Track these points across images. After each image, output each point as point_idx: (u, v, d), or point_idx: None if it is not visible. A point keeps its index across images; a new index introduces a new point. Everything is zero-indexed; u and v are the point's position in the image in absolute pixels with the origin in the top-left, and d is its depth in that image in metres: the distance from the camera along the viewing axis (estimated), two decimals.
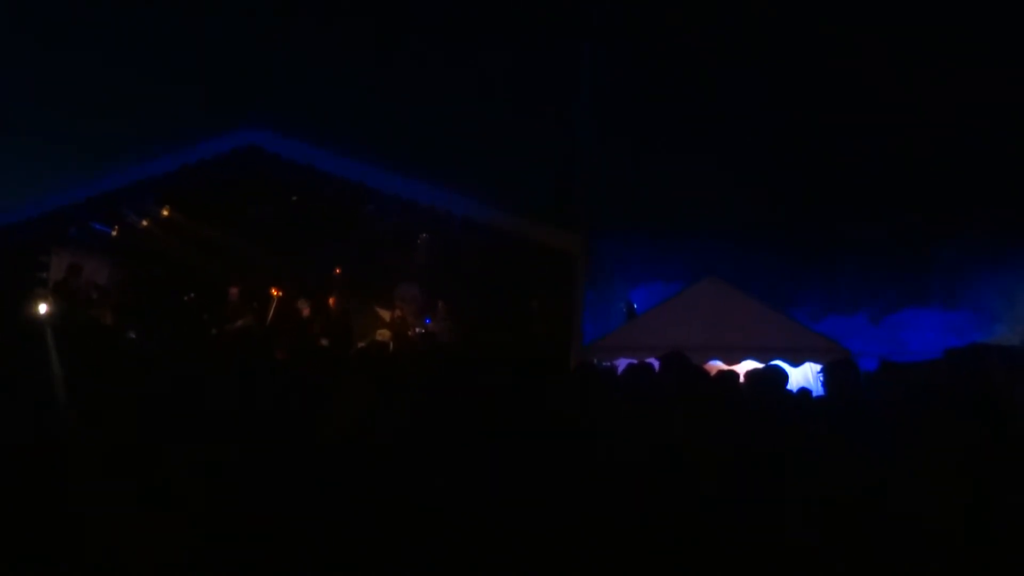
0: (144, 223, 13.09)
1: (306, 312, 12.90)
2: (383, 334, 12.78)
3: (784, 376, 5.87)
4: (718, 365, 9.86)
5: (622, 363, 9.77)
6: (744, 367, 9.43)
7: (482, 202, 10.83)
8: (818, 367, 9.21)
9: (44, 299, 10.20)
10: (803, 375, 9.76)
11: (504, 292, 12.33)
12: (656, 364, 5.68)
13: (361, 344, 12.01)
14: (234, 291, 12.85)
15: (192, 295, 13.55)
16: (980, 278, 15.53)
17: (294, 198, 13.07)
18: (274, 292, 13.27)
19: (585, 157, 11.12)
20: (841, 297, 17.57)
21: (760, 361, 9.81)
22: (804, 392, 6.92)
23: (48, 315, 9.47)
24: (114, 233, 13.27)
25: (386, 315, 13.46)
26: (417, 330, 13.08)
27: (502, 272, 12.02)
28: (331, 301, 13.07)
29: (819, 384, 7.95)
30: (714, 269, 13.58)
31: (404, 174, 11.34)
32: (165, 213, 13.11)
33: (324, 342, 12.17)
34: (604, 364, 10.46)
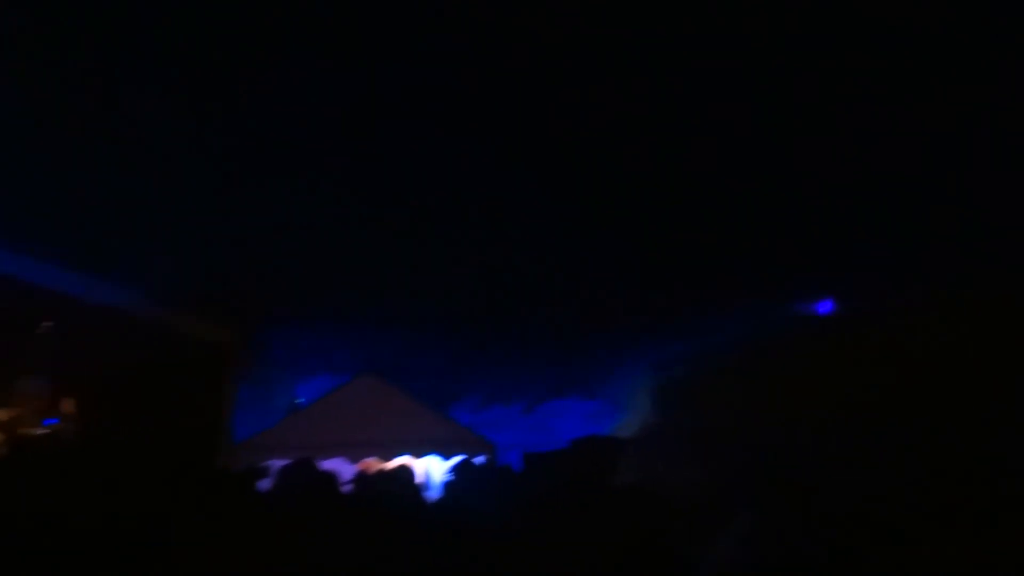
0: None
1: None
2: None
3: (412, 474, 6.04)
4: (372, 461, 9.91)
5: (276, 464, 9.35)
6: (398, 462, 9.59)
7: (123, 287, 9.79)
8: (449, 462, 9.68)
9: None
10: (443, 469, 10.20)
11: (148, 387, 11.16)
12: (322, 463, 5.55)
13: None
14: None
15: None
16: (611, 371, 17.86)
17: None
18: None
19: (250, 238, 10.66)
20: (500, 389, 18.95)
21: (414, 456, 10.06)
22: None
23: None
24: None
25: (2, 414, 11.38)
26: (38, 431, 11.22)
27: (146, 365, 10.90)
28: None
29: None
30: (381, 362, 13.80)
31: (26, 252, 9.88)
32: None
33: None
34: (261, 464, 9.93)
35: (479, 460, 10.32)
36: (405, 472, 5.85)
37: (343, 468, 8.91)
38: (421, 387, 15.30)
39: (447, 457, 10.11)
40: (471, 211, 7.44)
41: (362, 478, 6.11)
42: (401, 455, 10.09)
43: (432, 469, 10.94)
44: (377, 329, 15.79)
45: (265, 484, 7.10)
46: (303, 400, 14.95)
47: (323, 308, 10.75)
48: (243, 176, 5.89)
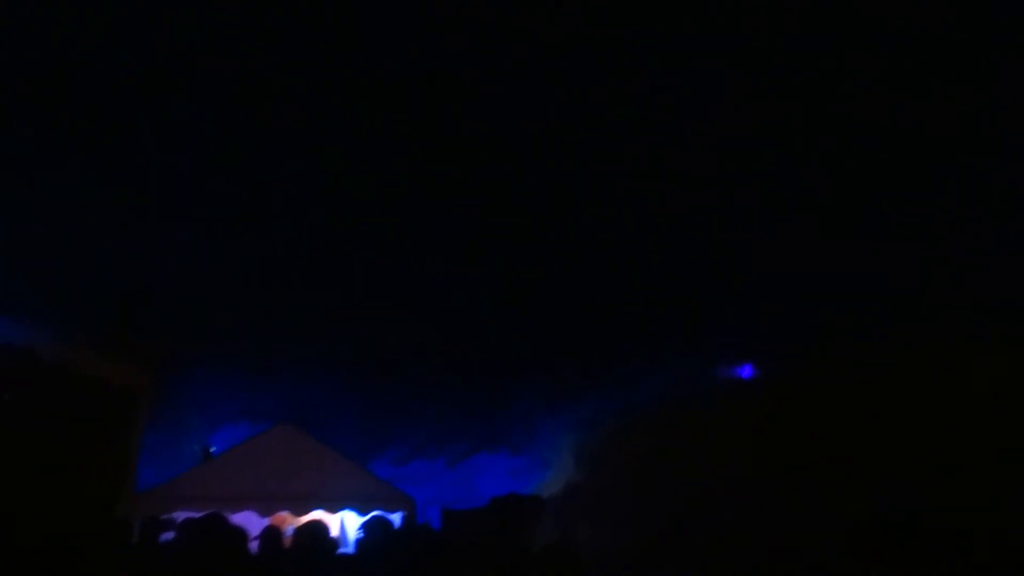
0: None
1: None
2: None
3: (327, 530, 5.82)
4: (284, 515, 9.52)
5: (180, 516, 8.88)
6: (312, 517, 9.24)
7: (24, 324, 9.26)
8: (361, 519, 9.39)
9: None
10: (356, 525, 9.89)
11: (47, 430, 10.49)
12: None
13: None
14: None
15: None
16: (536, 428, 17.80)
17: None
18: None
19: (165, 277, 10.28)
20: (424, 443, 18.61)
21: (329, 511, 9.72)
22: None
23: None
24: None
25: None
26: None
27: (47, 406, 10.26)
28: None
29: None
30: (301, 412, 13.38)
31: None
32: None
33: None
34: (164, 517, 9.40)
35: (397, 516, 10.03)
36: (319, 528, 5.62)
37: (253, 522, 8.51)
38: (342, 439, 14.90)
39: (363, 512, 9.80)
40: (399, 263, 7.42)
41: (271, 534, 5.84)
42: (315, 509, 9.73)
43: (348, 525, 10.57)
44: (299, 378, 15.39)
45: (167, 537, 6.72)
46: (216, 448, 14.34)
47: (241, 353, 10.42)
48: (158, 211, 5.73)
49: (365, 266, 7.73)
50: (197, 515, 5.88)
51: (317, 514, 9.46)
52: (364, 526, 5.87)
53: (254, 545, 5.79)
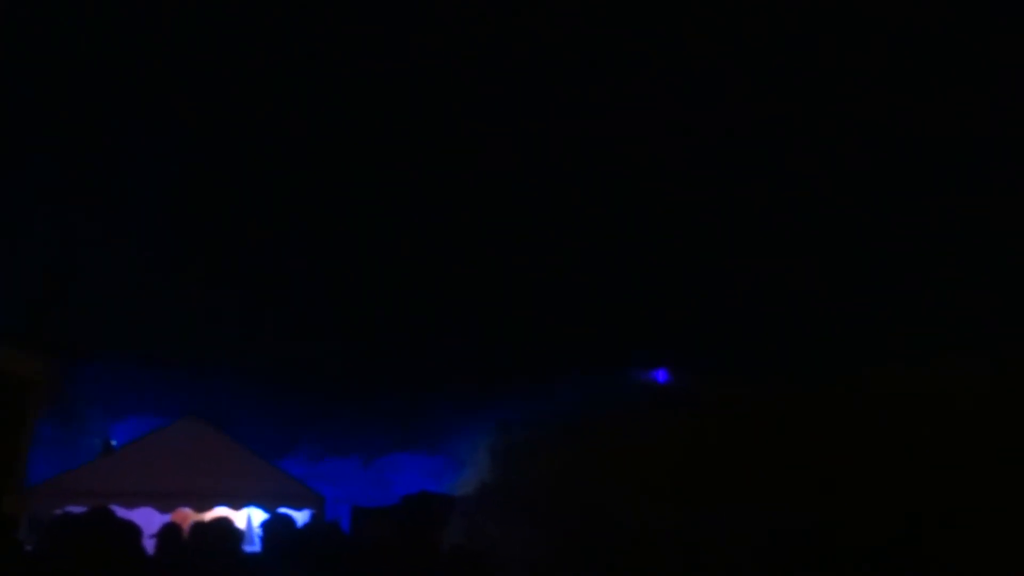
0: None
1: None
2: None
3: (230, 528, 5.65)
4: (186, 512, 9.20)
5: (73, 511, 8.45)
6: (215, 514, 8.96)
7: None
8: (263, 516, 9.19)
9: None
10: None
11: None
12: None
13: None
14: None
15: None
16: (454, 428, 17.72)
17: None
18: None
19: (62, 264, 9.75)
20: (339, 440, 18.27)
21: (233, 508, 9.44)
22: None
23: None
24: None
25: None
26: None
27: None
28: None
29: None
30: (211, 406, 12.93)
31: None
32: None
33: None
34: (55, 511, 8.92)
35: (304, 513, 9.82)
36: (222, 525, 5.44)
37: (151, 519, 8.17)
38: (253, 435, 14.47)
39: (269, 510, 9.55)
40: (316, 253, 7.28)
41: (169, 531, 5.62)
42: (218, 506, 9.43)
43: (255, 522, 10.29)
44: (210, 373, 14.88)
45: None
46: (117, 442, 13.73)
47: (144, 343, 10.01)
48: (60, 197, 5.46)
49: (282, 263, 7.56)
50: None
51: (221, 511, 9.16)
52: (264, 524, 5.73)
53: (151, 543, 5.57)
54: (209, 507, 9.27)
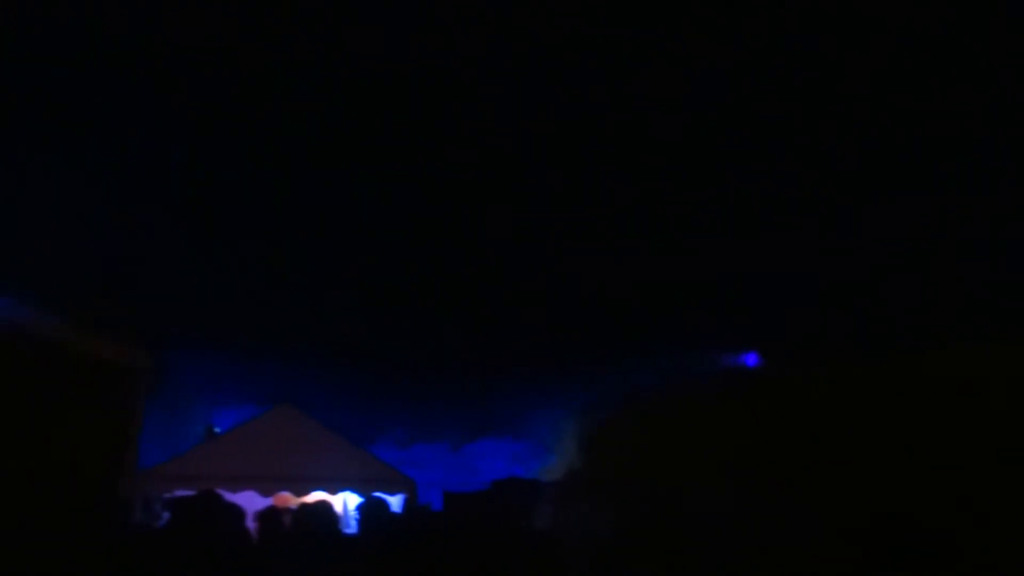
0: None
1: None
2: None
3: (331, 511, 5.80)
4: (285, 496, 9.53)
5: (180, 494, 8.88)
6: (314, 497, 9.24)
7: (22, 302, 9.19)
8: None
9: None
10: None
11: (47, 409, 10.49)
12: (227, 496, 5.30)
13: None
14: None
15: None
16: (538, 413, 17.78)
17: None
18: None
19: (165, 255, 10.16)
20: (426, 426, 18.62)
21: (329, 492, 9.72)
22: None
23: None
24: None
25: None
26: None
27: (46, 385, 10.25)
28: None
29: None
30: (302, 393, 13.35)
31: None
32: None
33: None
34: (165, 496, 9.41)
35: (397, 498, 10.03)
36: (322, 508, 5.61)
37: (254, 501, 8.51)
38: (343, 421, 14.88)
39: (363, 494, 9.80)
40: (401, 244, 7.34)
41: (270, 513, 5.82)
42: (316, 491, 9.74)
43: (350, 506, 10.58)
44: (301, 362, 15.36)
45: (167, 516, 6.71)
46: (219, 429, 14.36)
47: (241, 334, 10.37)
48: (158, 186, 5.66)
49: (368, 255, 7.68)
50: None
51: (318, 495, 9.46)
52: (360, 507, 5.86)
53: (254, 526, 5.78)
54: (307, 491, 9.58)
